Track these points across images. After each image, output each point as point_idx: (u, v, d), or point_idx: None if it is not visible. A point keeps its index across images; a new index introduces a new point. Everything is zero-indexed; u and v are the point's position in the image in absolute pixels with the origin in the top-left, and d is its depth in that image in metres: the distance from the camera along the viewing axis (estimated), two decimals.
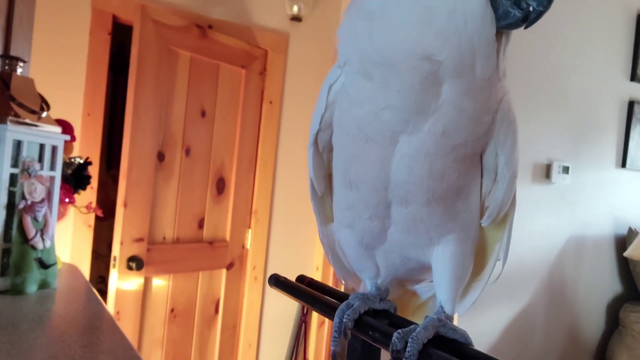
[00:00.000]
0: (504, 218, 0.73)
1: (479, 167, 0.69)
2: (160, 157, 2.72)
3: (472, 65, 0.59)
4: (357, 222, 0.73)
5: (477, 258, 0.75)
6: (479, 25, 0.58)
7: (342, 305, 0.72)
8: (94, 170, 2.55)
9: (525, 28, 0.59)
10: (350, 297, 0.75)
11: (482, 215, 0.72)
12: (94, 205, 2.38)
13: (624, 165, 3.10)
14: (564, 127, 2.86)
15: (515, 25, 0.59)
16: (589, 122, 2.97)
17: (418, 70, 0.60)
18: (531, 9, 0.58)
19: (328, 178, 0.79)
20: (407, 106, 0.62)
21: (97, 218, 2.63)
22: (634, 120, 3.08)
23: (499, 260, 0.76)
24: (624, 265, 3.24)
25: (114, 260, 2.53)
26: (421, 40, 0.60)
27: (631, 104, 3.08)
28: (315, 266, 3.45)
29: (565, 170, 2.80)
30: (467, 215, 0.70)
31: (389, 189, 0.67)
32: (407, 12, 0.61)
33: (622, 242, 3.19)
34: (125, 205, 2.54)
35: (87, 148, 2.61)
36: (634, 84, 3.11)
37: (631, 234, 3.09)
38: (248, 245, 3.20)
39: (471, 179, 0.68)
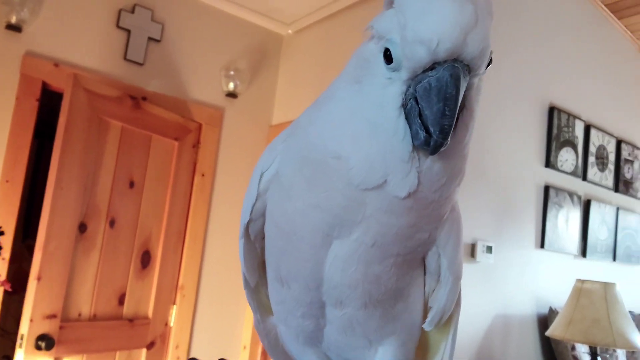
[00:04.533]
0: (448, 319, 0.70)
1: (422, 267, 0.66)
2: (82, 228, 2.59)
3: (385, 181, 0.55)
4: (290, 319, 0.69)
5: (421, 354, 0.72)
6: (390, 138, 0.54)
7: None
8: (6, 240, 2.40)
9: (430, 154, 0.54)
10: None
11: (426, 313, 0.69)
12: (3, 277, 2.21)
13: (542, 246, 3.24)
14: (487, 209, 2.99)
15: (423, 147, 0.54)
16: (510, 205, 3.13)
17: (337, 170, 0.56)
18: (432, 137, 0.52)
19: (262, 265, 0.74)
20: (332, 210, 0.58)
21: (5, 292, 2.44)
22: (549, 204, 3.27)
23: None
24: (547, 345, 3.32)
25: (21, 339, 2.33)
26: (336, 136, 0.57)
27: (547, 188, 3.28)
28: (242, 345, 3.31)
29: (489, 250, 2.89)
30: (408, 316, 0.67)
31: (322, 289, 0.63)
32: (335, 105, 0.59)
33: (544, 321, 3.28)
34: (38, 279, 2.37)
35: (2, 216, 2.46)
36: (549, 170, 3.33)
37: (552, 313, 3.19)
38: (172, 323, 3.05)
39: (412, 280, 0.65)
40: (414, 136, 0.54)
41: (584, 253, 3.48)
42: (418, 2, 0.51)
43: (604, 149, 3.65)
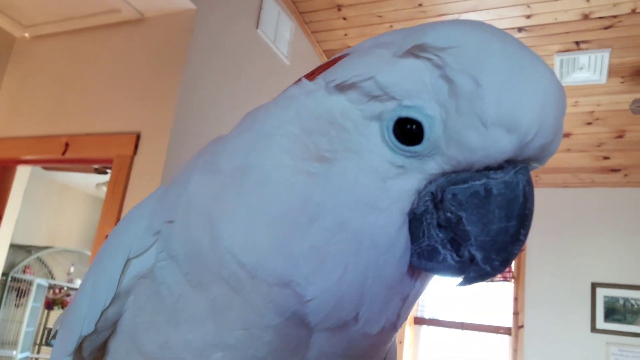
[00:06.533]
0: None
1: None
2: None
3: (356, 316, 0.37)
4: None
5: None
6: (380, 256, 0.36)
7: None
8: None
9: (459, 284, 0.38)
10: None
11: None
12: None
13: None
14: None
15: (443, 272, 0.38)
16: None
17: (275, 302, 0.37)
18: (482, 267, 0.36)
19: None
20: (252, 354, 0.38)
21: None
22: None
23: None
24: None
25: None
26: (285, 250, 0.36)
27: None
28: None
29: None
30: None
31: None
32: (277, 193, 0.37)
33: None
34: None
35: None
36: None
37: None
38: None
39: None
40: (426, 254, 0.37)
41: None
42: (507, 64, 0.34)
43: None
